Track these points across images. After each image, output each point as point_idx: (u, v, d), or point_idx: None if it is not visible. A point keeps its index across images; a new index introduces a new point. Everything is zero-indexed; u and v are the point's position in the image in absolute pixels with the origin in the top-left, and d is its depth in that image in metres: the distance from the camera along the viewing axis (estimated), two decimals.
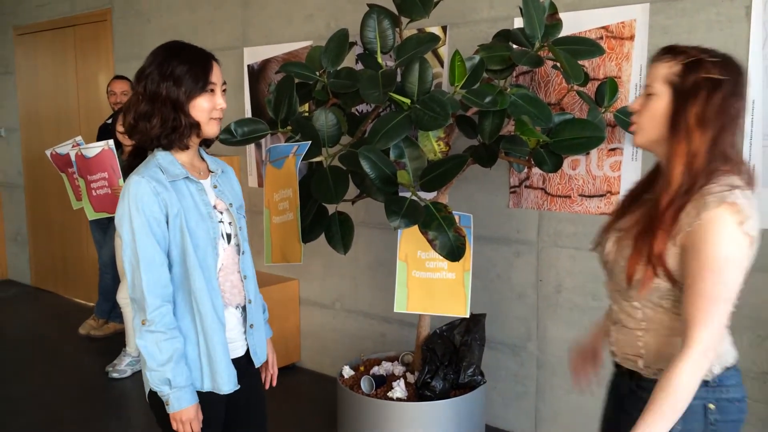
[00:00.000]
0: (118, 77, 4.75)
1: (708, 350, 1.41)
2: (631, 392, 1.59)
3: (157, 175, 1.79)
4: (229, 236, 1.92)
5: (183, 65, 1.79)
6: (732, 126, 1.48)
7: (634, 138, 1.59)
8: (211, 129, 1.87)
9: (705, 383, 1.48)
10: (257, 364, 2.02)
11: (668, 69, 1.49)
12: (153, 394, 1.84)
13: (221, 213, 1.92)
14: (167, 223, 1.79)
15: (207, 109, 1.83)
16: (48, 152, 4.25)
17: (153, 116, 1.78)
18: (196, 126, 1.83)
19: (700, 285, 1.41)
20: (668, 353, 1.51)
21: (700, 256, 1.41)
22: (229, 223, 1.94)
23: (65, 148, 4.11)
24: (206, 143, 1.97)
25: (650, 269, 1.47)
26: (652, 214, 1.50)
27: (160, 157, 1.83)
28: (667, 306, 1.52)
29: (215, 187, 1.94)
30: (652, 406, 1.41)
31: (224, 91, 1.89)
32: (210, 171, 1.96)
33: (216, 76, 1.84)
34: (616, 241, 1.60)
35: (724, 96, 1.45)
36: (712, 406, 1.50)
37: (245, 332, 1.97)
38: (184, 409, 1.79)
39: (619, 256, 1.56)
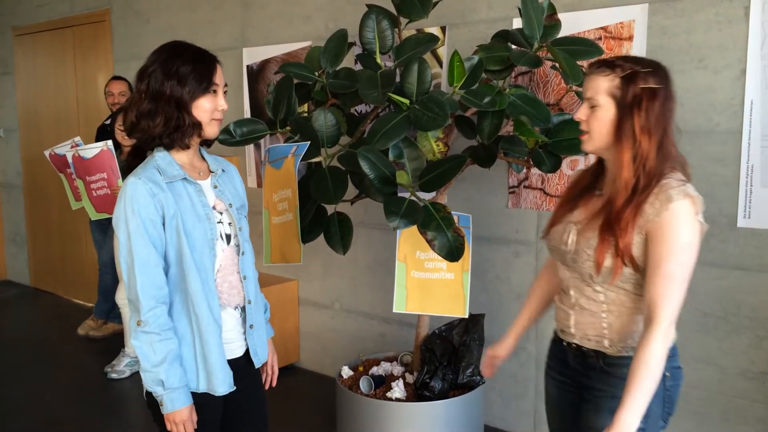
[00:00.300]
0: (115, 78, 4.75)
1: (672, 324, 1.59)
2: (599, 370, 1.73)
3: (154, 177, 1.79)
4: (228, 237, 1.92)
5: (187, 65, 1.79)
6: (672, 125, 1.65)
7: (583, 145, 1.74)
8: (211, 130, 1.87)
9: None
10: (257, 365, 2.02)
11: (609, 82, 1.64)
12: (150, 394, 1.84)
13: (220, 213, 1.91)
14: (164, 224, 1.79)
15: (209, 110, 1.83)
16: (47, 153, 4.25)
17: (156, 115, 1.78)
18: (198, 126, 1.83)
19: (664, 267, 1.58)
20: (630, 331, 1.70)
21: (665, 242, 1.58)
22: (229, 224, 1.93)
23: (64, 149, 4.11)
24: (207, 143, 1.97)
25: (619, 259, 1.62)
26: (611, 210, 1.64)
27: (159, 158, 1.83)
28: (628, 288, 1.69)
29: (215, 187, 1.93)
30: (633, 385, 1.55)
31: (225, 92, 1.90)
32: (210, 171, 1.96)
33: (219, 77, 1.85)
34: (577, 233, 1.73)
35: (662, 102, 1.62)
36: (668, 374, 1.68)
37: (245, 333, 1.97)
38: (177, 410, 1.79)
39: (582, 247, 1.70)
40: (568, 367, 1.84)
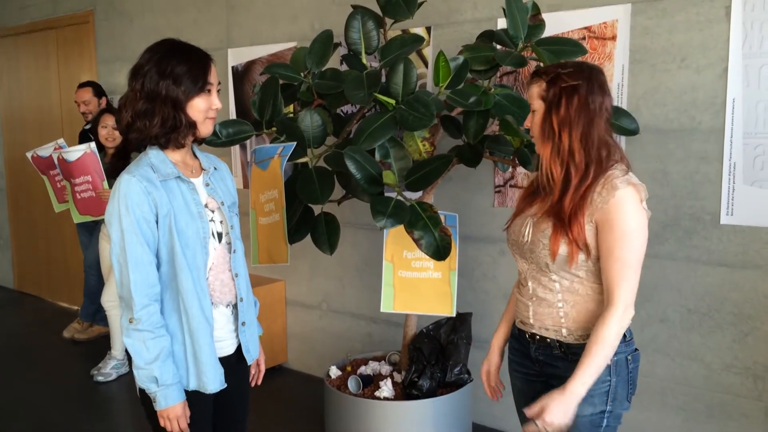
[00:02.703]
0: (80, 86, 4.69)
1: (628, 306, 1.68)
2: (563, 359, 1.80)
3: (149, 174, 1.79)
4: (220, 235, 1.92)
5: (182, 65, 1.79)
6: (599, 117, 1.74)
7: (536, 148, 1.85)
8: (206, 128, 1.88)
9: (623, 339, 1.74)
10: (249, 362, 2.03)
11: (539, 87, 1.78)
12: (143, 391, 1.85)
13: (212, 212, 1.92)
14: (157, 222, 1.79)
15: (203, 109, 1.84)
16: (29, 154, 4.22)
17: (153, 115, 1.78)
18: (193, 125, 1.84)
19: (616, 253, 1.67)
20: (585, 319, 1.78)
21: (614, 229, 1.67)
22: (221, 222, 1.94)
23: (47, 151, 4.08)
24: (198, 141, 1.97)
25: (574, 245, 1.71)
26: (557, 201, 1.75)
27: (153, 155, 1.83)
28: (582, 276, 1.77)
29: (207, 185, 1.94)
30: (586, 359, 1.66)
31: (219, 90, 1.90)
32: (202, 169, 1.96)
33: (213, 76, 1.86)
34: (533, 225, 1.82)
35: (583, 96, 1.72)
36: (629, 357, 1.78)
37: (236, 330, 1.98)
38: (170, 406, 1.80)
39: (538, 238, 1.79)
40: (530, 359, 1.90)
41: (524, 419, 1.96)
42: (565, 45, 2.58)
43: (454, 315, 2.83)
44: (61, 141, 4.10)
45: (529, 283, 1.86)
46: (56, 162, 4.01)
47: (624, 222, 1.67)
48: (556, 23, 2.93)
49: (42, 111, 5.85)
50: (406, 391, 2.84)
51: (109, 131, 4.04)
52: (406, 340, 2.99)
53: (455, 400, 2.84)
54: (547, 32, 2.67)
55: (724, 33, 2.60)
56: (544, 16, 2.69)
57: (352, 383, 2.94)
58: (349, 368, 3.13)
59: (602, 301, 1.75)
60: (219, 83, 1.90)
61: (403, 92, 2.43)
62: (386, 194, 2.40)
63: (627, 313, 1.68)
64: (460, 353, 2.89)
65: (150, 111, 1.78)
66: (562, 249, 1.73)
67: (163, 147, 1.85)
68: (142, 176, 1.78)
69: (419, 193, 2.80)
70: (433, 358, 2.87)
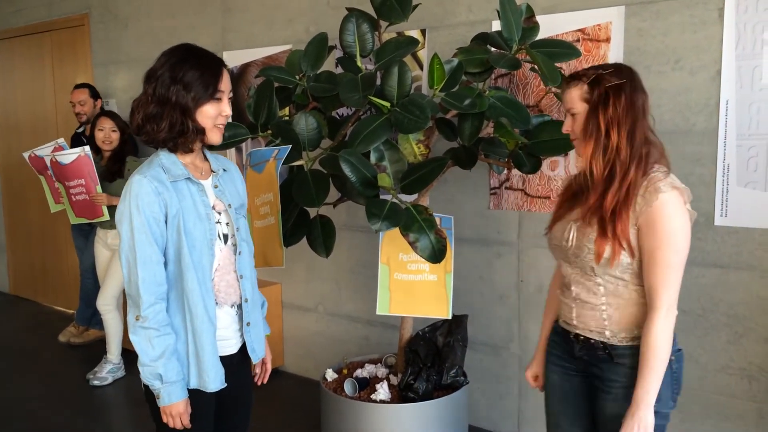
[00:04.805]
0: (76, 87, 4.69)
1: (671, 308, 1.72)
2: (608, 361, 1.83)
3: (159, 175, 1.82)
4: (225, 236, 1.95)
5: (195, 71, 1.81)
6: (643, 115, 1.78)
7: (575, 150, 1.89)
8: (214, 136, 1.90)
9: None
10: (255, 361, 2.06)
11: (579, 90, 1.81)
12: (147, 388, 1.88)
13: (219, 213, 1.94)
14: (166, 222, 1.82)
15: (213, 116, 1.86)
16: (26, 155, 4.20)
17: (162, 119, 1.81)
18: (201, 132, 1.86)
19: (658, 255, 1.71)
20: (628, 322, 1.81)
21: (657, 232, 1.70)
22: (227, 224, 1.96)
23: (45, 151, 4.06)
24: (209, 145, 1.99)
25: (617, 246, 1.74)
26: (598, 198, 1.77)
27: (164, 156, 1.86)
28: (626, 278, 1.79)
29: (216, 187, 1.96)
30: (643, 368, 1.71)
31: (230, 98, 1.92)
32: (212, 171, 1.98)
33: (225, 83, 1.87)
34: (576, 229, 1.84)
35: (628, 95, 1.76)
36: (673, 357, 1.77)
37: (240, 330, 2.01)
38: (173, 403, 1.84)
39: (583, 242, 1.81)
40: (573, 357, 1.93)
41: (552, 416, 2.04)
42: (560, 47, 2.59)
43: (449, 317, 2.83)
44: (61, 140, 4.09)
45: (573, 287, 1.89)
46: (49, 165, 4.00)
47: (667, 224, 1.69)
48: (550, 25, 2.93)
49: (37, 114, 5.84)
50: (402, 394, 2.84)
51: (106, 134, 4.03)
52: (402, 343, 2.99)
53: (451, 402, 2.84)
54: (541, 34, 2.68)
55: (717, 35, 2.61)
56: (538, 18, 2.69)
57: (348, 386, 2.94)
58: (345, 371, 3.13)
59: (645, 304, 1.78)
60: (231, 91, 1.92)
61: (398, 95, 2.43)
62: (381, 197, 2.40)
63: (670, 313, 1.72)
64: (456, 355, 2.89)
65: (159, 115, 1.81)
66: (607, 252, 1.76)
67: (172, 151, 1.87)
68: (153, 177, 1.81)
69: (414, 196, 2.80)
70: (429, 360, 2.87)
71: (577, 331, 1.89)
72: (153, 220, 1.79)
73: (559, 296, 1.98)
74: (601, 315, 1.83)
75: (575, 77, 1.83)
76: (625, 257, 1.75)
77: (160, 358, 1.80)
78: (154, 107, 1.81)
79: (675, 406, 1.84)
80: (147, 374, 1.82)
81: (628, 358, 1.80)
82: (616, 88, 1.76)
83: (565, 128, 1.88)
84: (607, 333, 1.83)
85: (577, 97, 1.82)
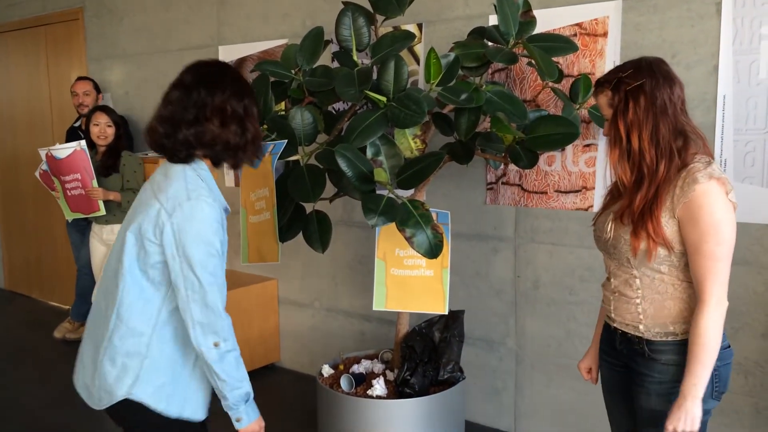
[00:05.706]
0: (80, 78, 4.69)
1: (720, 300, 1.70)
2: (643, 355, 1.83)
3: (222, 204, 1.80)
4: None
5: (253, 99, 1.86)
6: (669, 109, 1.76)
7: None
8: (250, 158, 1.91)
9: None
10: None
11: (606, 97, 1.83)
12: (127, 407, 1.82)
13: None
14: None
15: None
16: (37, 173, 4.17)
17: (244, 126, 1.80)
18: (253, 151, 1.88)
19: (703, 248, 1.69)
20: (663, 316, 1.80)
21: (699, 224, 1.69)
22: None
23: (66, 152, 3.96)
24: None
25: (651, 240, 1.73)
26: (628, 204, 1.79)
27: (208, 178, 1.81)
28: (664, 271, 1.79)
29: None
30: (691, 362, 1.70)
31: None
32: None
33: None
34: (613, 221, 1.85)
35: (648, 94, 1.75)
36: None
37: None
38: (256, 419, 1.80)
39: (620, 233, 1.82)
40: (615, 350, 1.94)
41: (607, 407, 2.07)
42: (557, 42, 2.58)
43: (446, 313, 2.82)
44: (83, 143, 3.98)
45: (612, 279, 1.91)
46: (44, 158, 3.97)
47: (709, 215, 1.67)
48: (547, 20, 2.92)
49: (32, 109, 5.81)
50: (398, 390, 2.84)
51: (101, 129, 4.01)
52: (398, 338, 2.98)
53: (448, 398, 2.84)
54: (538, 29, 2.67)
55: (714, 29, 2.61)
56: (535, 12, 2.68)
57: (344, 382, 2.94)
58: (341, 367, 3.12)
59: (681, 299, 1.78)
60: None
61: (394, 89, 2.42)
62: (378, 192, 2.39)
63: (720, 305, 1.70)
64: (452, 351, 2.89)
65: (240, 119, 1.80)
66: (643, 245, 1.75)
67: (216, 164, 1.84)
68: (219, 204, 1.77)
69: (411, 191, 2.79)
70: (425, 356, 2.87)
71: (615, 325, 1.91)
72: (221, 246, 1.75)
73: (603, 289, 2.00)
74: (636, 309, 1.84)
75: (600, 84, 1.85)
76: (662, 250, 1.75)
77: (246, 376, 1.75)
78: (235, 115, 1.79)
79: (718, 403, 1.83)
80: (235, 399, 1.74)
81: (663, 354, 1.80)
82: (635, 91, 1.76)
83: (604, 133, 1.90)
84: (641, 327, 1.83)
85: (605, 105, 1.84)
